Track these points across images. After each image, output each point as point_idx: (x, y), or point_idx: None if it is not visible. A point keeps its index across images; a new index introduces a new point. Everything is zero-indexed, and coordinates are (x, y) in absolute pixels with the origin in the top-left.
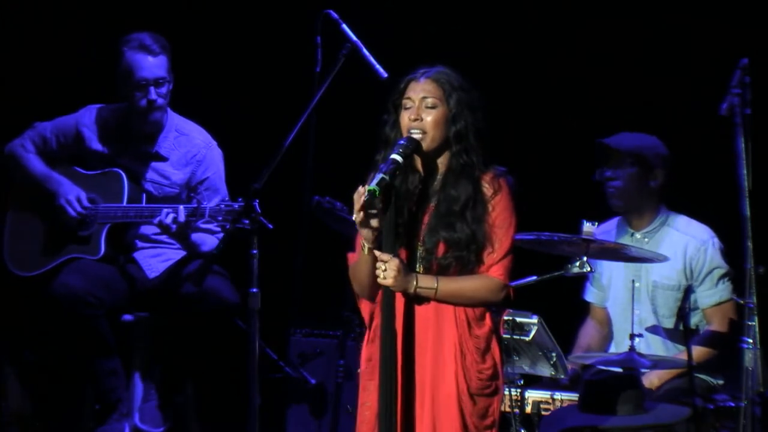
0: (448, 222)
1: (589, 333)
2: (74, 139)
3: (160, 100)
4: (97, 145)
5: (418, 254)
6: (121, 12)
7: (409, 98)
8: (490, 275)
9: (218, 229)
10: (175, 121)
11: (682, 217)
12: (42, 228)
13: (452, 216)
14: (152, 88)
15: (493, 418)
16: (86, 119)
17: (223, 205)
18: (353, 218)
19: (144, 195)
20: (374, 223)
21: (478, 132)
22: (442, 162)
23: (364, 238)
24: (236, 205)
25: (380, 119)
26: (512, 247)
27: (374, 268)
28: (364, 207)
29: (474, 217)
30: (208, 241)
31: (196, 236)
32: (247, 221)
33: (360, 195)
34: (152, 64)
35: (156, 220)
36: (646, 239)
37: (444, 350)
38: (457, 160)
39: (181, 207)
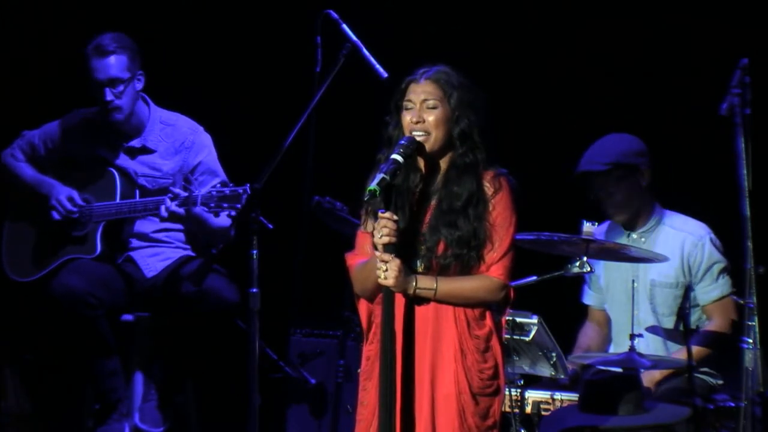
0: (449, 220)
1: (588, 335)
2: (61, 143)
3: (117, 101)
4: (84, 147)
5: (419, 253)
6: (120, 12)
7: (409, 100)
8: (490, 275)
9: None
10: (158, 113)
11: (677, 215)
12: (38, 232)
13: (454, 213)
14: (107, 89)
15: (495, 418)
16: (70, 122)
17: (214, 191)
18: (375, 240)
19: (137, 191)
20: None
21: (482, 130)
22: (444, 161)
23: (379, 250)
24: (227, 190)
25: (383, 120)
26: (512, 247)
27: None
28: (390, 233)
29: (476, 215)
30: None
31: (199, 210)
32: (239, 206)
33: (391, 222)
34: (105, 65)
35: (163, 213)
36: (642, 239)
37: (443, 350)
38: (463, 159)
39: (167, 198)
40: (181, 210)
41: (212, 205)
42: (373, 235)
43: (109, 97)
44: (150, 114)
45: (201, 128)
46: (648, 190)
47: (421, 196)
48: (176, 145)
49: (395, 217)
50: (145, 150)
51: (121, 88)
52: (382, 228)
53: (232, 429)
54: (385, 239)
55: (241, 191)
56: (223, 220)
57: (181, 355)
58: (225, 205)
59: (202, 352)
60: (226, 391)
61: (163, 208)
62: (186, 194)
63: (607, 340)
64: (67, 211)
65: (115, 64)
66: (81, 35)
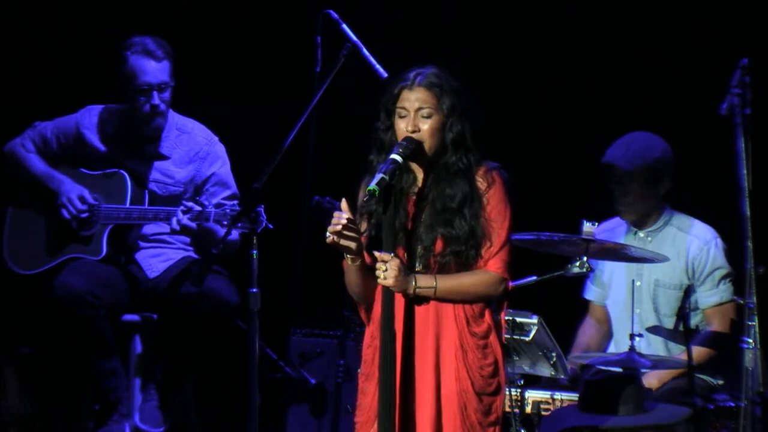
0: (445, 218)
1: (588, 332)
2: (75, 139)
3: (163, 106)
4: (98, 146)
5: (417, 253)
6: (121, 12)
7: (403, 107)
8: (488, 269)
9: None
10: (175, 119)
11: (685, 217)
12: (43, 226)
13: (449, 213)
14: (155, 93)
15: (497, 414)
16: (87, 120)
17: (228, 209)
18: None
19: (147, 196)
20: (348, 243)
21: (475, 133)
22: (437, 164)
23: (344, 252)
24: (242, 210)
25: (374, 125)
26: (508, 240)
27: (363, 276)
28: (339, 230)
29: (472, 214)
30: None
31: (210, 225)
32: (248, 225)
33: (338, 217)
34: (156, 69)
35: (175, 226)
36: (649, 238)
37: (445, 348)
38: (456, 164)
39: (179, 211)
40: (192, 224)
41: (225, 222)
42: (365, 236)
43: (157, 101)
44: (168, 119)
45: (216, 138)
46: (663, 197)
47: (416, 197)
48: (191, 154)
49: (345, 216)
50: (160, 156)
51: (168, 94)
52: (333, 224)
53: (232, 429)
54: (329, 238)
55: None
56: (232, 234)
57: (182, 355)
58: (239, 224)
59: (202, 352)
60: (226, 391)
61: (174, 220)
62: (199, 209)
63: (606, 337)
64: (78, 210)
65: (164, 69)
66: (83, 32)
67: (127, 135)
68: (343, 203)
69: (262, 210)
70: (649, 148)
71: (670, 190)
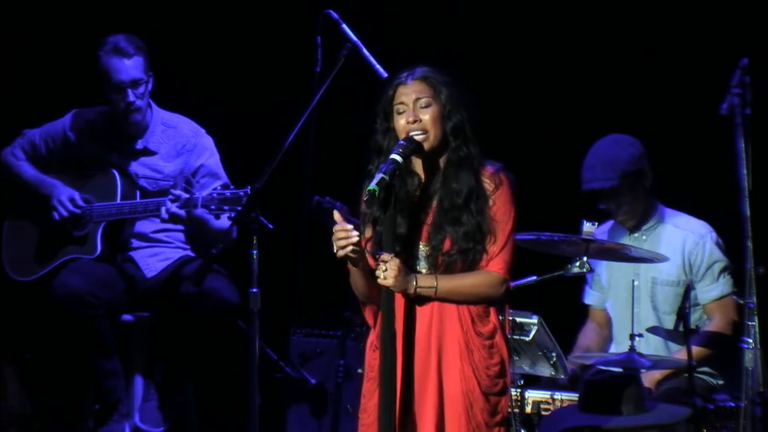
0: (453, 217)
1: (589, 335)
2: (63, 143)
3: (139, 102)
4: (86, 148)
5: (423, 253)
6: (120, 13)
7: (401, 103)
8: (490, 270)
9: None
10: (160, 115)
11: (679, 213)
12: (39, 232)
13: (456, 210)
14: (129, 90)
15: (503, 414)
16: (73, 123)
17: (215, 194)
18: (335, 252)
19: (138, 192)
20: (354, 255)
21: (473, 124)
22: (440, 160)
23: (350, 261)
24: (228, 193)
25: (372, 128)
26: (510, 240)
27: (368, 278)
28: (347, 245)
29: (477, 209)
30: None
31: (200, 212)
32: (239, 208)
33: (347, 234)
34: (128, 67)
35: (163, 215)
36: (644, 237)
37: (449, 349)
38: (457, 153)
39: (167, 200)
40: (181, 212)
41: (213, 207)
42: (366, 243)
43: (132, 98)
44: (152, 115)
45: (203, 131)
46: (650, 189)
47: (421, 199)
48: (178, 147)
49: (348, 227)
50: (147, 152)
51: (142, 89)
52: (336, 240)
53: (232, 429)
54: (341, 252)
55: (241, 194)
56: (224, 222)
57: (181, 355)
58: (225, 207)
59: (202, 352)
60: (226, 391)
61: (163, 209)
62: (187, 196)
63: (607, 340)
64: (68, 211)
65: (137, 65)
66: (79, 35)
67: (112, 134)
68: (336, 215)
69: (249, 190)
70: (617, 155)
71: (654, 180)
